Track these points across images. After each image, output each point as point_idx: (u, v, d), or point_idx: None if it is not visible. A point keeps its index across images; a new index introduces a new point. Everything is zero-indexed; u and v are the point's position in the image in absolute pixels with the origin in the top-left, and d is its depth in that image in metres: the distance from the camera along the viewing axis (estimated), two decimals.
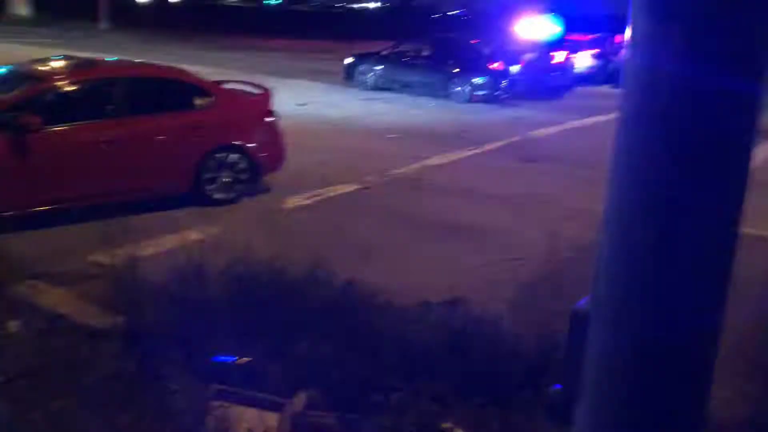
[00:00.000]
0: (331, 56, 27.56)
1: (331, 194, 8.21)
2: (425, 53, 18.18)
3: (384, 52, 18.54)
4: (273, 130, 7.89)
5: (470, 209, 7.93)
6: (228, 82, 8.49)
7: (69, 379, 4.03)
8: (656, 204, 1.28)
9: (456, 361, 4.27)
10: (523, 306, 5.38)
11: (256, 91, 8.15)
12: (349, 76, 18.80)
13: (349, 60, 19.01)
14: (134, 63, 8.51)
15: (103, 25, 33.48)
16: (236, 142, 7.50)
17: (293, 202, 7.82)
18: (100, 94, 6.81)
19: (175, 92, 7.36)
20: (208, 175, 7.34)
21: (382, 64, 18.11)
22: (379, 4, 66.76)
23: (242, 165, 7.54)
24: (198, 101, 7.40)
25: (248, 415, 3.60)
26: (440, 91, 16.80)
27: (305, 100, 15.57)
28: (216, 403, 3.61)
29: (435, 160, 10.32)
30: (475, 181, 9.25)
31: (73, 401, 3.77)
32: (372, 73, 18.16)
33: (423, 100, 16.54)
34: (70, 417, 3.66)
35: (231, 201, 7.54)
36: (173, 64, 10.33)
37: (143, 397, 3.87)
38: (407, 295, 5.23)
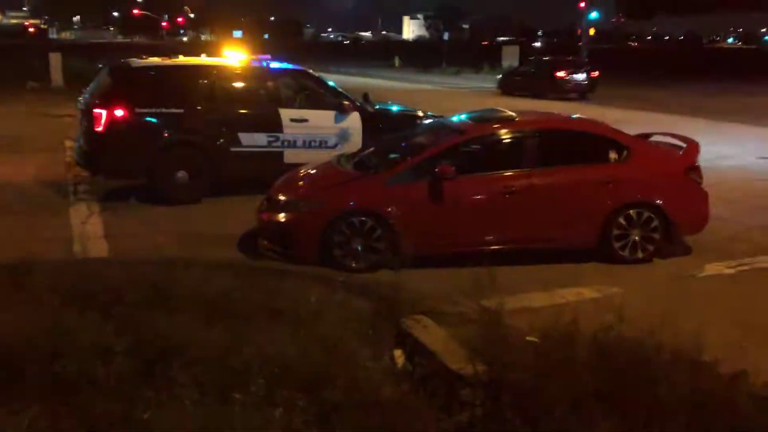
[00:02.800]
0: None
1: (764, 266, 7.10)
2: None
3: None
4: (694, 188, 7.19)
5: None
6: (654, 134, 8.04)
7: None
8: None
9: None
10: None
11: (682, 144, 7.55)
12: None
13: None
14: (545, 116, 8.68)
15: None
16: (649, 199, 7.04)
17: (712, 269, 6.99)
18: (511, 146, 7.13)
19: (587, 145, 7.25)
20: (617, 232, 7.03)
21: None
22: None
23: (655, 224, 7.03)
24: (612, 155, 7.16)
25: None
26: None
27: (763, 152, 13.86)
28: None
29: None
30: None
31: None
32: None
33: None
34: None
35: (640, 260, 7.10)
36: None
37: None
38: None
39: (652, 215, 7.03)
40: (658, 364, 4.40)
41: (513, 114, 7.53)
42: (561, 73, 27.04)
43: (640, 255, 7.08)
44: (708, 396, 4.18)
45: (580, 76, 27.32)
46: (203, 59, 10.78)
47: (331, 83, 10.66)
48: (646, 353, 4.58)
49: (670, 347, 4.72)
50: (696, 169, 7.29)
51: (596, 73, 27.99)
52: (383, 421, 3.64)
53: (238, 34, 74.63)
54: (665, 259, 7.22)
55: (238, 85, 9.88)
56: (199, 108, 9.42)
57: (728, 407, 4.10)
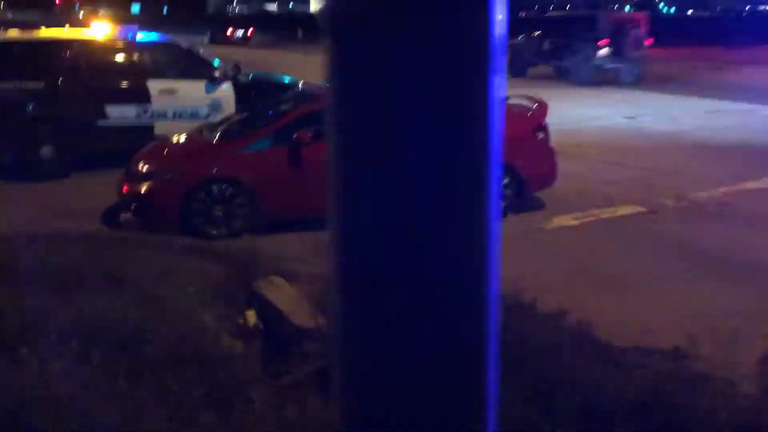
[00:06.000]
0: (705, 63, 25.72)
1: (606, 216, 7.60)
2: None
3: None
4: (542, 146, 7.60)
5: None
6: (511, 96, 8.40)
7: None
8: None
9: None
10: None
11: (532, 105, 7.94)
12: None
13: None
14: None
15: None
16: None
17: (559, 222, 7.44)
18: None
19: None
20: None
21: None
22: None
23: (506, 181, 7.40)
24: None
25: None
26: None
27: (634, 113, 14.65)
28: None
29: (759, 184, 8.88)
30: None
31: None
32: None
33: None
34: None
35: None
36: None
37: None
38: (628, 338, 4.65)
39: (503, 173, 7.39)
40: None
41: None
42: None
43: None
44: (524, 336, 4.52)
45: None
46: (65, 32, 10.50)
47: (201, 53, 10.59)
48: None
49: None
50: (543, 128, 7.68)
51: None
52: (205, 375, 3.79)
53: (135, 9, 71.99)
54: (518, 214, 7.62)
55: (103, 57, 9.69)
56: (61, 81, 9.20)
57: (550, 344, 4.45)
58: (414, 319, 1.06)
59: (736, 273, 5.98)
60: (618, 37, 21.07)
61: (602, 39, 20.92)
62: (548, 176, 7.67)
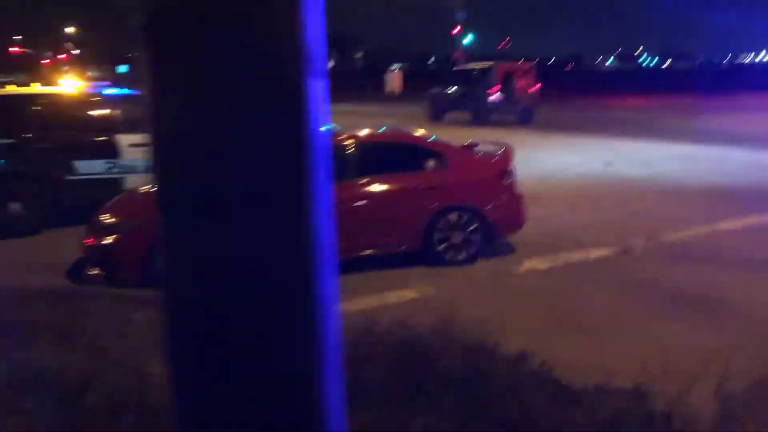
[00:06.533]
0: (681, 112, 26.26)
1: (577, 259, 7.56)
2: None
3: None
4: (509, 191, 7.59)
5: (742, 285, 6.59)
6: (479, 143, 8.46)
7: None
8: None
9: None
10: (738, 410, 4.27)
11: (497, 150, 7.98)
12: None
13: None
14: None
15: None
16: (466, 203, 7.40)
17: (530, 265, 7.38)
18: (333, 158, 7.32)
19: (404, 155, 7.53)
20: (439, 235, 7.33)
21: None
22: None
23: (474, 226, 7.38)
24: (430, 163, 7.48)
25: None
26: None
27: (610, 159, 14.79)
28: None
29: (727, 225, 8.89)
30: (766, 252, 7.72)
31: None
32: None
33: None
34: None
35: (463, 262, 7.41)
36: None
37: None
38: (590, 378, 4.54)
39: (471, 218, 7.38)
40: (437, 349, 4.64)
41: (336, 127, 7.76)
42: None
43: (462, 256, 7.40)
44: (484, 375, 4.42)
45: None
46: (35, 89, 10.55)
47: None
48: (432, 341, 4.84)
49: (462, 334, 5.02)
50: (509, 173, 7.68)
51: None
52: (143, 424, 3.67)
53: (123, 69, 72.92)
54: (489, 259, 7.57)
55: (73, 112, 9.71)
56: (30, 137, 9.19)
57: (509, 386, 4.35)
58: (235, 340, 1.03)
59: (704, 313, 5.91)
60: (507, 84, 25.36)
61: (493, 87, 25.26)
62: (516, 220, 7.65)
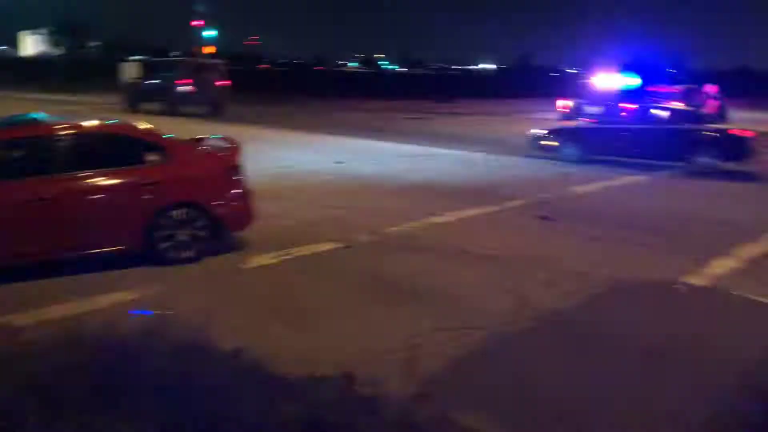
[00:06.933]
0: (412, 114, 27.96)
1: (304, 253, 7.68)
2: None
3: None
4: (237, 187, 7.49)
5: (452, 271, 7.16)
6: (208, 138, 8.26)
7: None
8: None
9: None
10: (433, 387, 4.59)
11: (229, 146, 7.84)
12: None
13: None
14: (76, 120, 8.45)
15: None
16: (191, 199, 7.16)
17: (257, 261, 7.35)
18: (38, 151, 6.71)
19: (123, 147, 7.09)
20: (162, 233, 7.01)
21: None
22: (494, 66, 71.25)
23: (201, 222, 7.17)
24: (151, 157, 7.13)
25: None
26: None
27: (343, 158, 15.37)
28: None
29: (444, 218, 9.64)
30: (474, 240, 8.46)
31: None
32: None
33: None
34: None
35: (190, 259, 7.17)
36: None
37: None
38: (307, 369, 4.60)
39: (197, 214, 7.16)
40: (144, 351, 4.43)
41: (41, 118, 7.13)
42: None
43: (188, 254, 7.15)
44: (190, 375, 4.29)
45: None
46: None
47: None
48: (142, 344, 4.61)
49: (175, 335, 4.84)
50: (238, 168, 7.58)
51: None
52: None
53: None
54: (216, 256, 7.41)
55: None
56: None
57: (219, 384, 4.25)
58: None
59: (420, 298, 6.31)
60: (197, 79, 27.47)
61: (181, 80, 27.33)
62: (245, 217, 7.57)
